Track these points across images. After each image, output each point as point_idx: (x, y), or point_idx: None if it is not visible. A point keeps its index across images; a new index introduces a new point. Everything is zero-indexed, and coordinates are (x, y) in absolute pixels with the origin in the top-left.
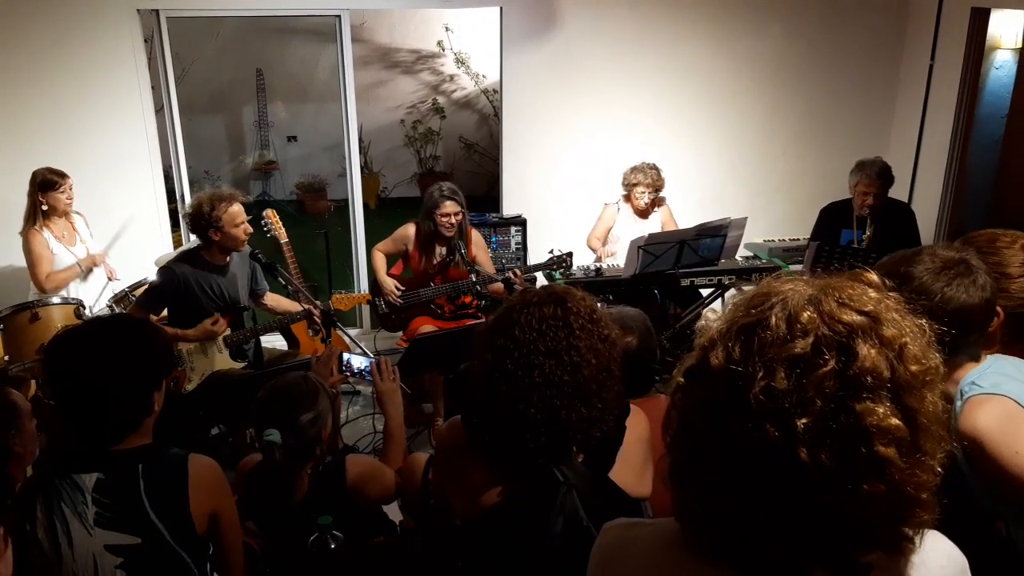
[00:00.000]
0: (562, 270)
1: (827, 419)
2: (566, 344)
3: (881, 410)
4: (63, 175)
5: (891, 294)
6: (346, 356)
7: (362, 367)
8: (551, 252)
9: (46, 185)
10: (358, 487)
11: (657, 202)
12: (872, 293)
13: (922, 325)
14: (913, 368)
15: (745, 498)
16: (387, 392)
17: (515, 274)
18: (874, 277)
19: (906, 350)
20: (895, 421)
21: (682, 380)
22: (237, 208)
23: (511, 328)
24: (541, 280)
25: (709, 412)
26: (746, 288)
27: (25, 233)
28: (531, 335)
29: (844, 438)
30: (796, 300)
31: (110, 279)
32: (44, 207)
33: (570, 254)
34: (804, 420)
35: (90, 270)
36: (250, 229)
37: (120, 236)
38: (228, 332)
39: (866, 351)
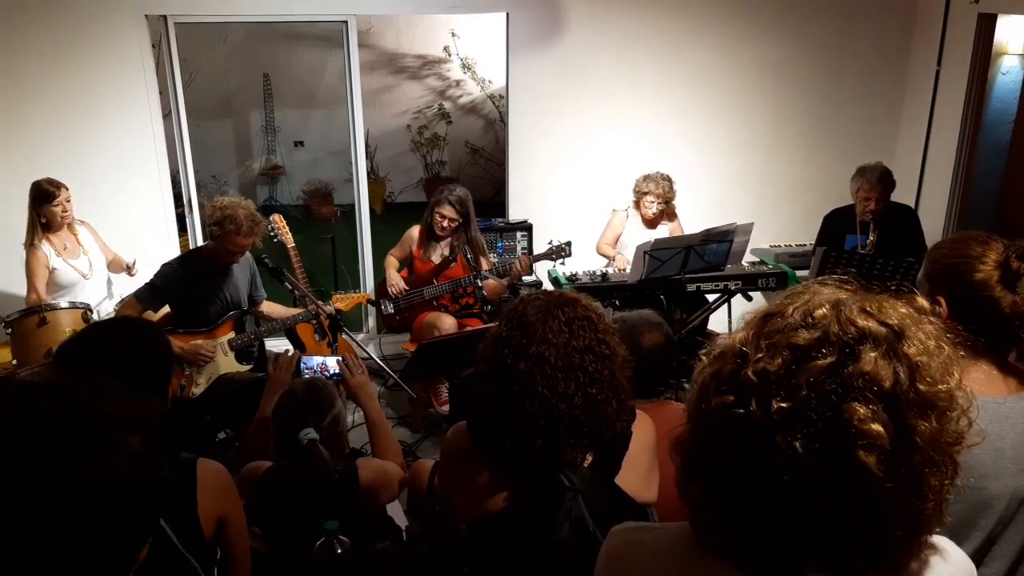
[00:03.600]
0: (562, 260)
1: (808, 408)
2: (596, 339)
3: (863, 411)
4: (58, 186)
5: (932, 319)
6: (317, 359)
7: (336, 368)
8: (550, 243)
9: (41, 198)
10: (369, 491)
11: (668, 213)
12: (904, 309)
13: (954, 357)
14: (922, 387)
15: (740, 493)
16: (358, 386)
17: (520, 263)
18: (923, 302)
19: (921, 369)
20: (877, 427)
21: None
22: (243, 242)
23: (539, 334)
24: (542, 276)
25: (710, 389)
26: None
27: (26, 248)
28: (564, 337)
29: (821, 432)
30: (819, 299)
31: (129, 271)
32: (43, 219)
33: (569, 243)
34: (783, 404)
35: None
36: (238, 261)
37: (127, 241)
38: (232, 335)
39: (870, 357)
